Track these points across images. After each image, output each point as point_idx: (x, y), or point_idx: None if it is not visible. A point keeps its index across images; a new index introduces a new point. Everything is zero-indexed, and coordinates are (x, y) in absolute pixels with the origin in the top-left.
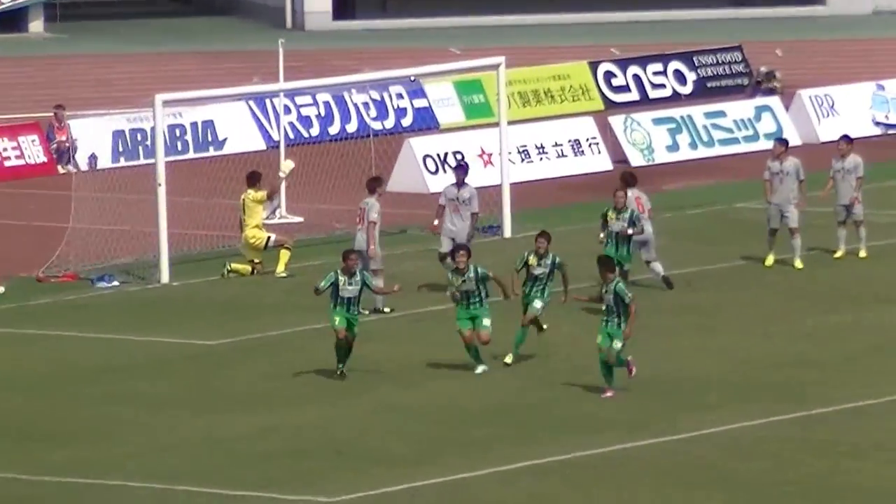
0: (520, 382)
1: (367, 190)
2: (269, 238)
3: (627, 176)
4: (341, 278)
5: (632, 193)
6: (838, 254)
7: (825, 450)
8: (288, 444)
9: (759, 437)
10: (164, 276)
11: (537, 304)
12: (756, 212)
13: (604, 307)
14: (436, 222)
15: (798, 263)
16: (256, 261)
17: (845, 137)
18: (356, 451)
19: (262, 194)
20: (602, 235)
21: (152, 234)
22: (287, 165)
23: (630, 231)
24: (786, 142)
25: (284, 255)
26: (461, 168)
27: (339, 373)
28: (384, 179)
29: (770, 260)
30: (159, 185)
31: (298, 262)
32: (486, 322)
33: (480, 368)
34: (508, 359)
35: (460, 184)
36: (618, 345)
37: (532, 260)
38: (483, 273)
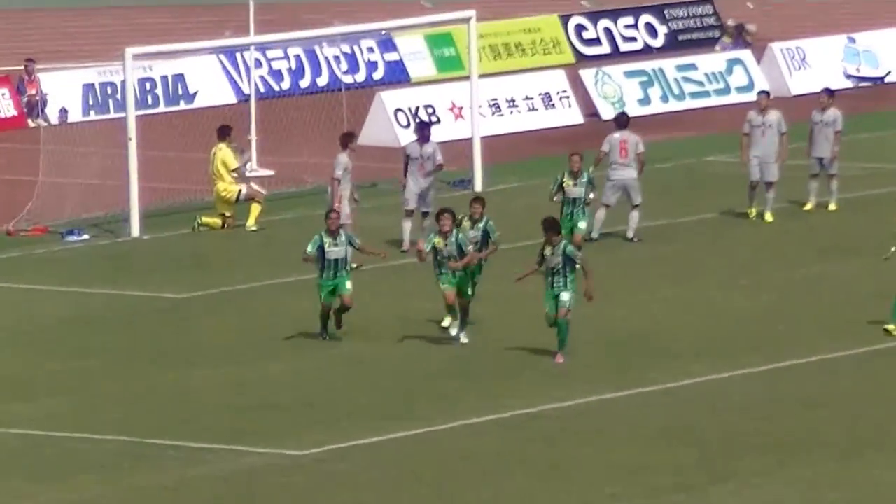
0: (488, 336)
1: (340, 145)
2: (239, 191)
3: (620, 116)
4: (326, 240)
5: (619, 135)
6: (808, 206)
7: (792, 402)
8: (257, 398)
9: (727, 391)
10: (135, 230)
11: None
12: (727, 165)
13: (548, 270)
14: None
15: (769, 217)
16: (227, 214)
17: (827, 90)
18: (325, 405)
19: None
20: (556, 199)
21: (122, 188)
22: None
23: (592, 196)
24: (769, 94)
25: (255, 208)
26: (424, 125)
27: (322, 338)
28: (356, 134)
29: (753, 212)
30: (130, 139)
31: (269, 216)
32: (469, 290)
33: (461, 337)
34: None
35: (423, 140)
36: (566, 297)
37: (466, 224)
38: (462, 241)
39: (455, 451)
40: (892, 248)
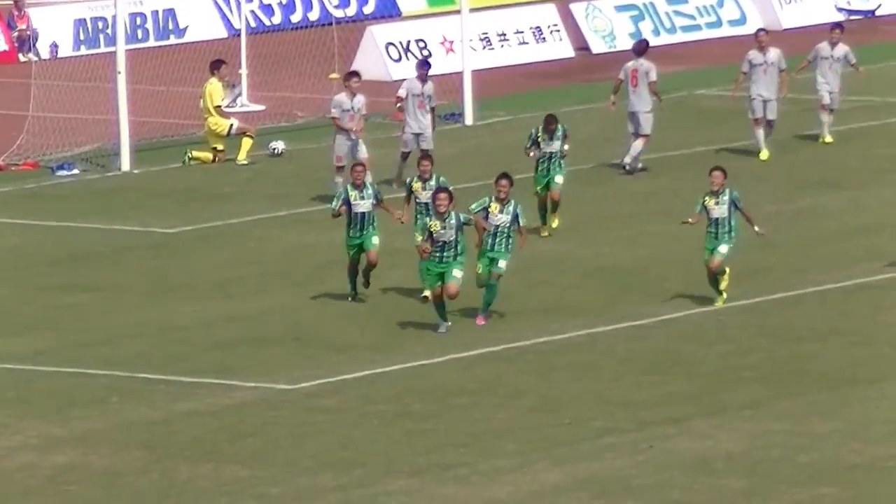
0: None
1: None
2: (231, 125)
3: (638, 44)
4: (352, 193)
5: (632, 63)
6: (828, 139)
7: (784, 334)
8: (247, 332)
9: (718, 323)
10: (125, 164)
11: (502, 264)
12: (718, 99)
13: (493, 229)
14: (398, 105)
15: (764, 155)
16: (219, 148)
17: (838, 25)
18: (316, 339)
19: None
20: (531, 154)
21: (113, 123)
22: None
23: (567, 147)
24: (767, 31)
25: (246, 142)
26: (425, 64)
27: (351, 297)
28: (359, 73)
29: (765, 154)
30: (119, 73)
31: (260, 151)
32: (457, 273)
33: (443, 327)
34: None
35: (423, 79)
36: (503, 264)
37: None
38: (465, 219)
39: (446, 385)
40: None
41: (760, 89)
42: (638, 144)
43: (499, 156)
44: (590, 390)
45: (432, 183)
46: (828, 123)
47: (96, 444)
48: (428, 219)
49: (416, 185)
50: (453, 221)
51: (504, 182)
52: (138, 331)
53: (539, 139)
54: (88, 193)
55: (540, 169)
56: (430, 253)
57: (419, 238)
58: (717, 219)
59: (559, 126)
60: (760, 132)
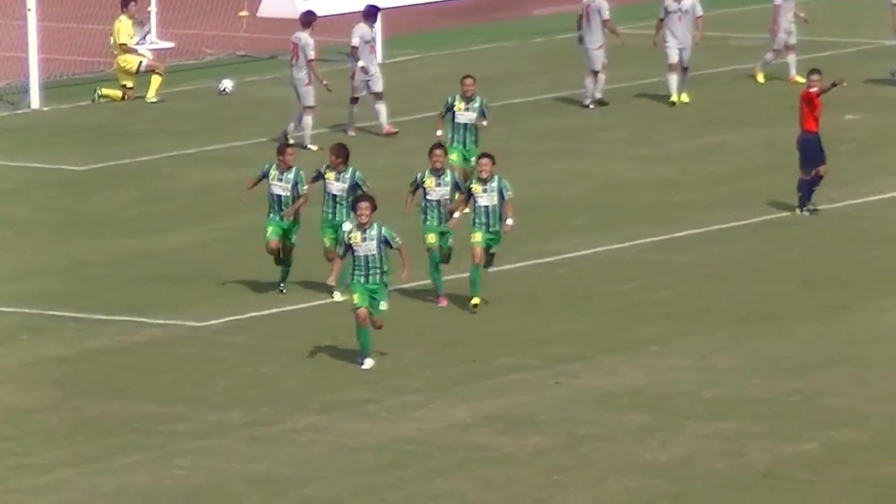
0: (388, 210)
1: (301, 24)
2: (140, 62)
3: None
4: (272, 172)
5: (587, 0)
6: (685, 98)
7: (689, 272)
8: (157, 270)
9: (624, 260)
10: (35, 102)
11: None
12: (635, 37)
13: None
14: (360, 64)
15: (685, 97)
16: (128, 86)
17: None
18: (225, 276)
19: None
20: (440, 132)
21: (23, 60)
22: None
23: (483, 123)
24: None
25: (156, 80)
26: (374, 9)
27: (280, 289)
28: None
29: (685, 97)
30: (29, 10)
31: (169, 88)
32: (384, 305)
33: (368, 363)
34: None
35: (372, 23)
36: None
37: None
38: (388, 234)
39: (352, 324)
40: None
41: (676, 35)
42: (587, 82)
43: (408, 93)
44: (496, 328)
45: (373, 233)
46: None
47: (6, 381)
48: (342, 220)
49: (329, 175)
50: (374, 232)
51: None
52: (48, 268)
53: (455, 107)
54: None
55: (454, 140)
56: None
57: (328, 242)
58: (486, 207)
59: (477, 96)
60: (674, 77)
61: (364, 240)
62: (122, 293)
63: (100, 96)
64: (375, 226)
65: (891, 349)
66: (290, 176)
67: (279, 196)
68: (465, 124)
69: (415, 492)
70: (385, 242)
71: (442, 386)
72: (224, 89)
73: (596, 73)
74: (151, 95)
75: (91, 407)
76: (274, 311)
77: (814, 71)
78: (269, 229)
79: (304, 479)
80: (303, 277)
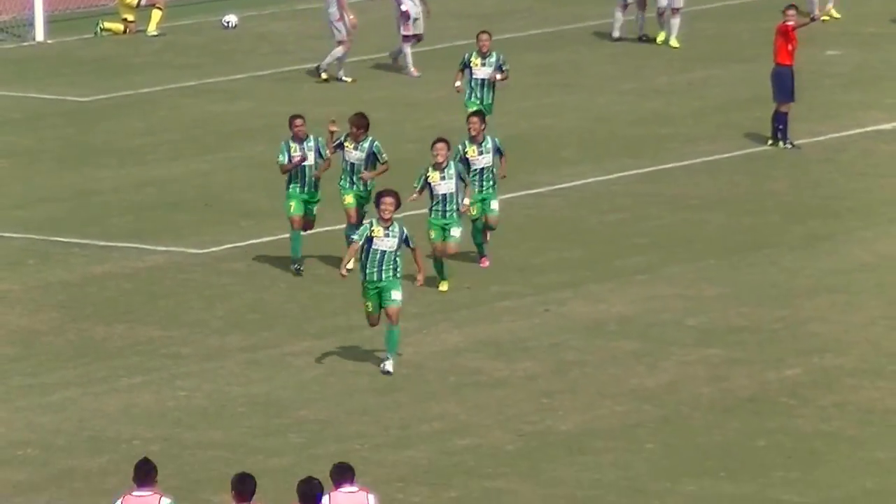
0: (384, 140)
1: None
2: None
3: None
4: (291, 145)
5: None
6: (674, 43)
7: (676, 203)
8: (160, 198)
9: (613, 192)
10: (39, 34)
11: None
12: None
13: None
14: (403, 7)
15: (674, 42)
16: (129, 19)
17: None
18: (225, 205)
19: None
20: (459, 84)
21: None
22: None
23: (499, 77)
24: None
25: (156, 14)
26: None
27: (296, 269)
28: None
29: (661, 37)
30: None
31: (170, 22)
32: (396, 295)
33: (387, 365)
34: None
35: None
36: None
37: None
38: (409, 235)
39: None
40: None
41: None
42: (620, 13)
43: (369, 32)
44: (488, 256)
45: (395, 230)
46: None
47: (14, 304)
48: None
49: (348, 144)
50: (397, 231)
51: (475, 119)
52: (53, 195)
53: (472, 63)
54: (3, 62)
55: (470, 97)
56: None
57: (350, 200)
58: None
59: (493, 51)
60: (662, 20)
61: (386, 236)
62: (126, 221)
63: (102, 30)
64: (398, 225)
65: (874, 277)
66: (311, 143)
67: (302, 166)
68: (483, 80)
69: (408, 414)
70: (405, 242)
71: (435, 311)
72: (228, 23)
73: (626, 5)
74: (152, 29)
75: (96, 330)
76: (273, 238)
77: (790, 6)
78: (292, 204)
79: (302, 401)
80: None
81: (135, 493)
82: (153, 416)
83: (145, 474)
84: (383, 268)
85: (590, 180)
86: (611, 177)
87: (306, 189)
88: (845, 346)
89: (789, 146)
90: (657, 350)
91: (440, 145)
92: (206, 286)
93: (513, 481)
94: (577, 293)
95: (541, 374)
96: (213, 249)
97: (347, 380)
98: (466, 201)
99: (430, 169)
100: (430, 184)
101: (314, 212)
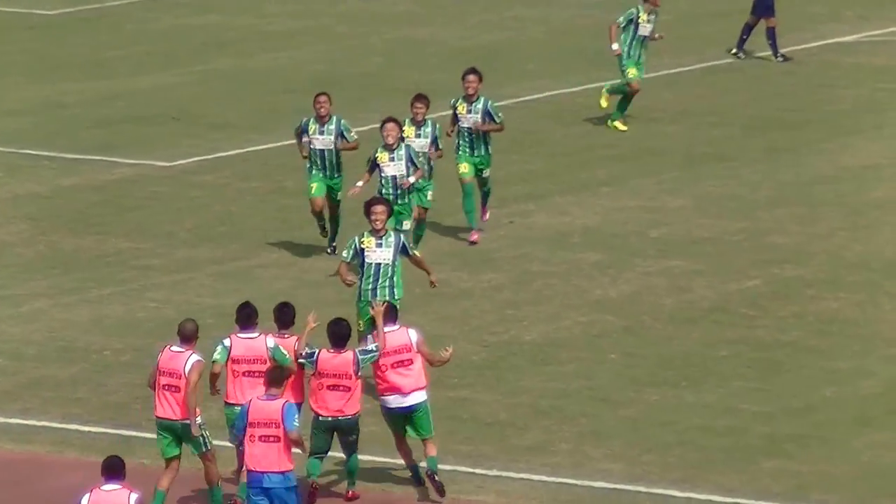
0: (349, 52)
1: None
2: None
3: None
4: (312, 125)
5: None
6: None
7: (639, 115)
8: (128, 111)
9: (577, 104)
10: None
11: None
12: None
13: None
14: None
15: None
16: None
17: None
18: (194, 118)
19: None
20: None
21: None
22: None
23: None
24: None
25: None
26: None
27: (329, 250)
28: None
29: None
30: None
31: None
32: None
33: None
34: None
35: None
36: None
37: (461, 107)
38: (407, 243)
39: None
40: None
41: None
42: None
43: None
44: (451, 170)
45: (390, 239)
46: None
47: None
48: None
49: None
50: (393, 240)
51: (472, 77)
52: (21, 108)
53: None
54: None
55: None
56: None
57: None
58: (468, 129)
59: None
60: None
61: (379, 246)
62: (95, 134)
63: None
64: (392, 234)
65: (834, 188)
66: (332, 127)
67: (322, 151)
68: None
69: None
70: (404, 251)
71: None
72: None
73: None
74: None
75: (66, 242)
76: (240, 151)
77: None
78: (314, 186)
79: (269, 311)
80: (266, 118)
81: (104, 488)
82: (124, 326)
83: (114, 468)
84: (379, 283)
85: (554, 93)
86: (575, 89)
87: (327, 172)
88: (805, 257)
89: (780, 59)
90: (620, 261)
91: (390, 125)
92: (175, 199)
93: (478, 391)
94: (542, 205)
95: (505, 285)
96: (182, 162)
97: (314, 291)
98: (411, 179)
99: (380, 149)
100: (378, 164)
101: (338, 196)
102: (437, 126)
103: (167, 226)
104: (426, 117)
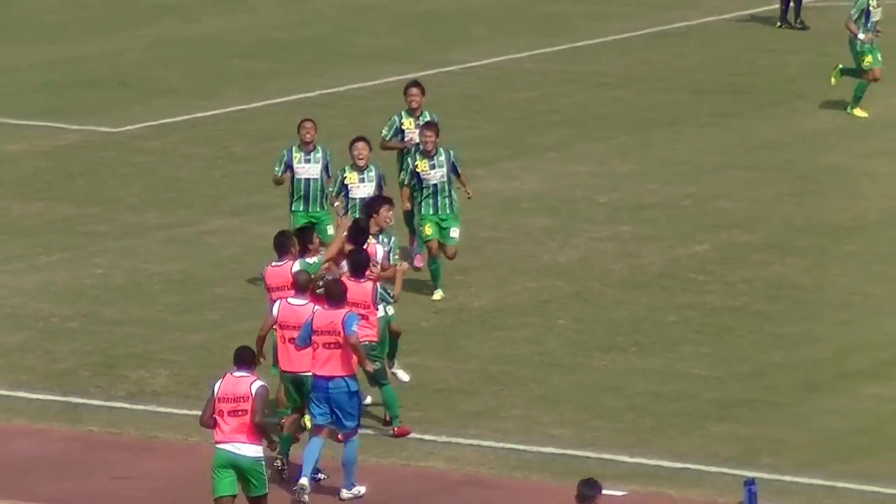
0: (296, 14)
1: None
2: None
3: None
4: (296, 154)
5: None
6: None
7: (587, 80)
8: (74, 76)
9: (525, 69)
10: None
11: (454, 232)
12: None
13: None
14: None
15: None
16: None
17: None
18: (141, 82)
19: None
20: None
21: None
22: None
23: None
24: None
25: None
26: None
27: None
28: None
29: None
30: None
31: None
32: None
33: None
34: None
35: None
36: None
37: (421, 164)
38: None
39: (266, 129)
40: None
41: None
42: None
43: None
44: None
45: (441, 159)
46: None
47: None
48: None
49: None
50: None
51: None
52: None
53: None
54: None
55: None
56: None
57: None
58: (434, 186)
59: (440, 148)
60: None
61: (362, 181)
62: (41, 98)
63: None
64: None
65: (782, 153)
66: (319, 155)
67: (306, 181)
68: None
69: None
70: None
71: None
72: None
73: None
74: None
75: (12, 207)
76: (187, 117)
77: None
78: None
79: (218, 278)
80: (213, 84)
81: (234, 374)
82: (71, 293)
83: (245, 357)
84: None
85: (502, 58)
86: (523, 54)
87: (309, 206)
88: (753, 221)
89: (799, 26)
90: (569, 226)
91: (360, 144)
92: (122, 164)
93: (427, 357)
94: (490, 171)
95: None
96: (129, 128)
97: (263, 258)
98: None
99: (348, 169)
100: (346, 185)
101: (327, 232)
102: (452, 153)
103: (114, 191)
104: (437, 146)
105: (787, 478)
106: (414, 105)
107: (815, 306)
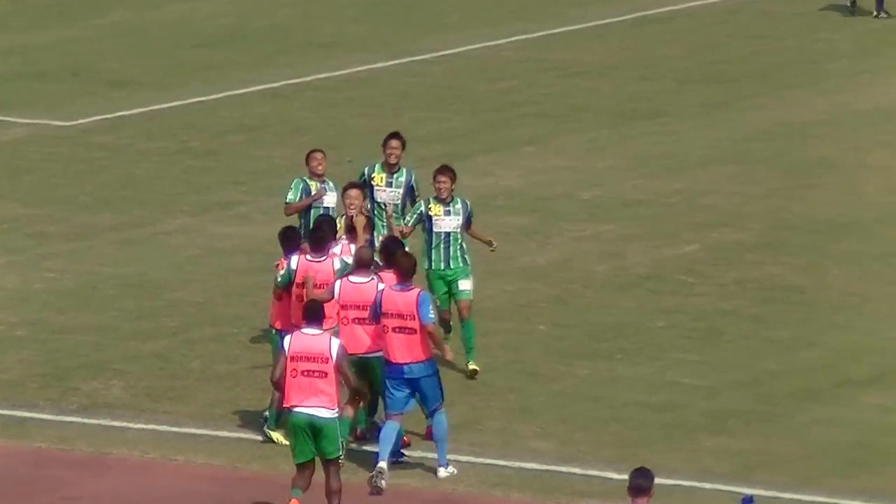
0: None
1: None
2: None
3: None
4: (310, 182)
5: None
6: None
7: (566, 70)
8: (22, 67)
9: (501, 58)
10: None
11: (466, 284)
12: None
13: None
14: None
15: None
16: None
17: None
18: (94, 74)
19: None
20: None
21: None
22: None
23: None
24: None
25: None
26: None
27: None
28: None
29: None
30: None
31: None
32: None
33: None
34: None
35: None
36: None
37: (435, 208)
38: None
39: (225, 122)
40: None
41: None
42: None
43: None
44: (370, 126)
45: (458, 206)
46: None
47: None
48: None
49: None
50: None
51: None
52: None
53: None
54: None
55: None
56: None
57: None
58: (447, 234)
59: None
60: None
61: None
62: None
63: None
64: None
65: (772, 145)
66: (331, 184)
67: (315, 208)
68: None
69: None
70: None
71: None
72: None
73: None
74: None
75: None
76: (143, 109)
77: None
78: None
79: (176, 281)
80: (170, 75)
81: (305, 331)
82: (19, 299)
83: (315, 313)
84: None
85: (476, 46)
86: (498, 42)
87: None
88: (744, 219)
89: (884, 16)
90: (548, 226)
91: (354, 192)
92: (74, 160)
93: None
94: (464, 166)
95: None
96: (81, 121)
97: (223, 259)
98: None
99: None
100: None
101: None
102: (469, 204)
103: (65, 190)
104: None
105: (786, 495)
106: (392, 160)
107: (811, 309)
